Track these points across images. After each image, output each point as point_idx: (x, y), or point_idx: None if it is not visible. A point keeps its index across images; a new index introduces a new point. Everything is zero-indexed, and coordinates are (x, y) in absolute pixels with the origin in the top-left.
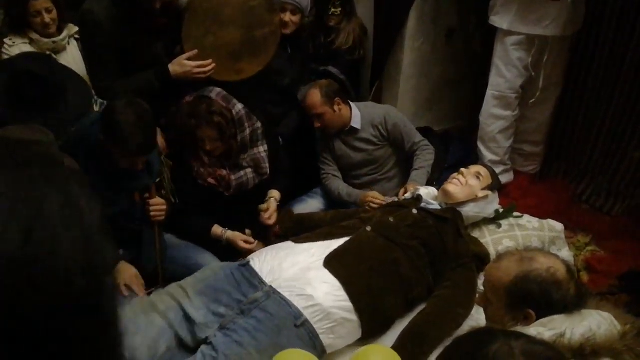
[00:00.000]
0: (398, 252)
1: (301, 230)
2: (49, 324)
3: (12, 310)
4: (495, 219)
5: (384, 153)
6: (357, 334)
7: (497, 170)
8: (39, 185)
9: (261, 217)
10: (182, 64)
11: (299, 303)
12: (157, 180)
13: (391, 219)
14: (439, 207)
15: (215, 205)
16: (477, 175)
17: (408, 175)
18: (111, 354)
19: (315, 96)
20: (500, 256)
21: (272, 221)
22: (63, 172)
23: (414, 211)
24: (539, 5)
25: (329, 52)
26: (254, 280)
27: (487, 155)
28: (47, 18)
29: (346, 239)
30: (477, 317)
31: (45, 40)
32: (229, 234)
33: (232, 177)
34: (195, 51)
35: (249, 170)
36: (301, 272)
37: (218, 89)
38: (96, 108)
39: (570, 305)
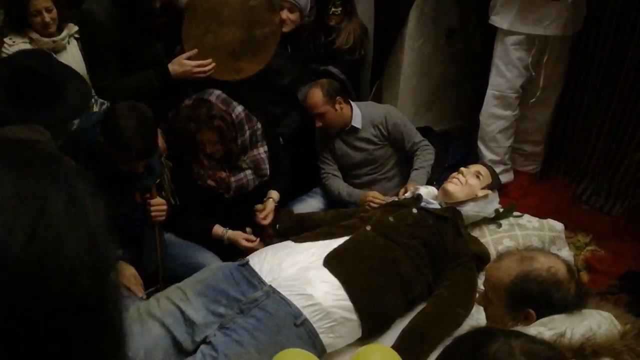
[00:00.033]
0: (398, 251)
1: (301, 229)
2: (53, 323)
3: (15, 310)
4: (495, 219)
5: (384, 153)
6: (357, 333)
7: (497, 170)
8: (43, 184)
9: (256, 217)
10: (181, 64)
11: (298, 302)
12: (157, 181)
13: (391, 218)
14: (438, 207)
15: (215, 207)
16: (477, 175)
17: (408, 175)
18: (115, 354)
19: (316, 95)
20: (500, 256)
21: (267, 221)
22: (68, 171)
23: (414, 210)
24: (540, 5)
25: (329, 51)
26: (253, 279)
27: (487, 155)
28: (47, 17)
29: (346, 238)
30: (478, 317)
31: (45, 39)
32: (230, 233)
33: (232, 179)
34: (195, 50)
35: (248, 172)
36: (301, 272)
37: (217, 92)
38: (96, 108)
39: (570, 305)
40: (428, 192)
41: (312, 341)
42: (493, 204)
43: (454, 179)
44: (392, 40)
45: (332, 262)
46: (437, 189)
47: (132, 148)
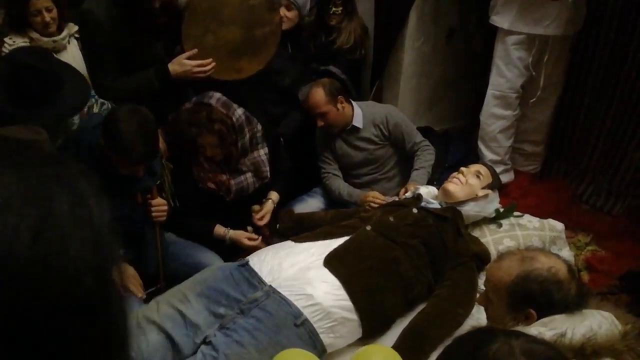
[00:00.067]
0: (398, 251)
1: (301, 229)
2: (56, 323)
3: (18, 310)
4: (495, 219)
5: (384, 152)
6: (358, 333)
7: (498, 169)
8: (48, 184)
9: (253, 218)
10: (181, 63)
11: (298, 302)
12: (158, 182)
13: (391, 218)
14: (439, 206)
15: (216, 208)
16: (477, 174)
17: (408, 175)
18: (118, 354)
19: (318, 94)
20: (501, 256)
21: (263, 222)
22: (73, 171)
23: (414, 210)
24: (540, 5)
25: (330, 51)
26: (253, 280)
27: (488, 155)
28: (47, 17)
29: (346, 238)
30: (478, 317)
31: (46, 39)
32: (232, 233)
33: (232, 182)
34: (195, 50)
35: (249, 174)
36: (301, 272)
37: (217, 95)
38: (96, 108)
39: (571, 305)
40: (428, 192)
41: (312, 341)
42: (493, 203)
43: (454, 179)
44: (393, 40)
45: (332, 262)
46: (438, 188)
47: (132, 153)
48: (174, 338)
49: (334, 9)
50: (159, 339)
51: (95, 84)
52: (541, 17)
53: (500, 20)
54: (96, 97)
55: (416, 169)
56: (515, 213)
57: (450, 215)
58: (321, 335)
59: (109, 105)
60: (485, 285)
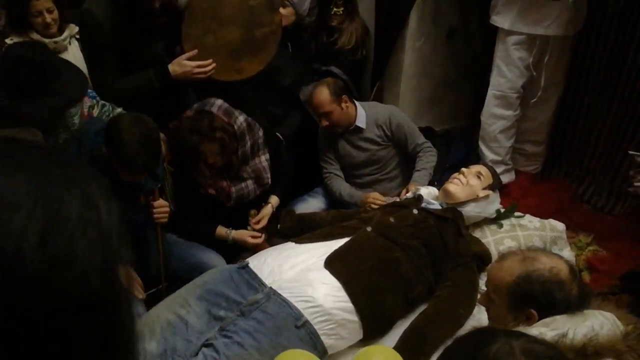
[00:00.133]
0: (398, 252)
1: (302, 229)
2: (61, 323)
3: (25, 311)
4: (496, 219)
5: (387, 153)
6: (358, 334)
7: (499, 170)
8: (58, 185)
9: (249, 221)
10: (181, 64)
11: (299, 304)
12: (159, 185)
13: (392, 219)
14: (439, 207)
15: (216, 212)
16: (478, 175)
17: (410, 176)
18: (127, 356)
19: (323, 94)
20: (502, 256)
21: (259, 226)
22: (82, 173)
23: (415, 211)
24: (540, 5)
25: (331, 52)
26: (253, 282)
27: (489, 155)
28: (48, 18)
29: (346, 239)
30: (479, 317)
31: (47, 40)
32: (235, 233)
33: (233, 189)
34: (195, 51)
35: (249, 181)
36: (301, 273)
37: (219, 102)
38: (97, 109)
39: (572, 305)
40: (429, 193)
41: (313, 343)
42: (494, 204)
43: (455, 180)
44: (393, 40)
45: (332, 263)
46: (438, 189)
47: (135, 162)
48: (174, 347)
49: (335, 9)
50: (159, 349)
51: (95, 84)
52: (542, 17)
53: (500, 20)
54: (97, 98)
55: (418, 170)
56: (516, 213)
57: (450, 216)
58: (322, 337)
59: (110, 107)
60: (486, 286)
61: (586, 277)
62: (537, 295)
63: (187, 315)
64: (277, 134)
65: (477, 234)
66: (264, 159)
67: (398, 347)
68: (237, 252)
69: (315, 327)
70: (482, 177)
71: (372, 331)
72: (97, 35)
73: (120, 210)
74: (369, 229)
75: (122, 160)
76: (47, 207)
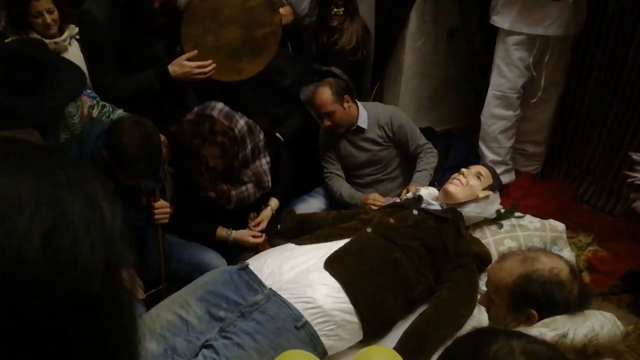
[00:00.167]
0: (398, 253)
1: (302, 230)
2: (57, 323)
3: (19, 310)
4: (496, 219)
5: (388, 154)
6: (358, 335)
7: (499, 170)
8: (62, 187)
9: (249, 224)
10: (181, 65)
11: (299, 305)
12: (159, 186)
13: (392, 220)
14: (439, 208)
15: (216, 213)
16: (478, 175)
17: (410, 177)
18: (126, 358)
19: (325, 94)
20: (503, 256)
21: (258, 229)
22: (86, 174)
23: (415, 212)
24: (541, 5)
25: (331, 52)
26: (253, 283)
27: (489, 156)
28: (48, 19)
29: (346, 240)
30: (479, 317)
31: (47, 41)
32: (235, 233)
33: (233, 192)
34: (195, 52)
35: (250, 185)
36: (301, 274)
37: (220, 106)
38: (97, 110)
39: (573, 305)
40: (429, 193)
41: (313, 344)
42: (494, 204)
43: (455, 180)
44: (393, 40)
45: (332, 264)
46: (438, 189)
47: (135, 166)
48: (174, 347)
49: (335, 9)
50: (159, 348)
51: (95, 84)
52: (542, 17)
53: (501, 20)
54: (97, 98)
55: (418, 171)
56: (517, 214)
57: (450, 217)
58: (322, 338)
59: (110, 108)
60: (486, 286)
61: (586, 277)
62: (537, 295)
63: (187, 315)
64: (277, 134)
65: (477, 234)
66: (264, 162)
67: (398, 348)
68: (238, 253)
69: (315, 328)
70: (482, 178)
71: (372, 332)
72: (97, 35)
73: (124, 212)
74: (368, 230)
75: (123, 165)
76: (51, 209)
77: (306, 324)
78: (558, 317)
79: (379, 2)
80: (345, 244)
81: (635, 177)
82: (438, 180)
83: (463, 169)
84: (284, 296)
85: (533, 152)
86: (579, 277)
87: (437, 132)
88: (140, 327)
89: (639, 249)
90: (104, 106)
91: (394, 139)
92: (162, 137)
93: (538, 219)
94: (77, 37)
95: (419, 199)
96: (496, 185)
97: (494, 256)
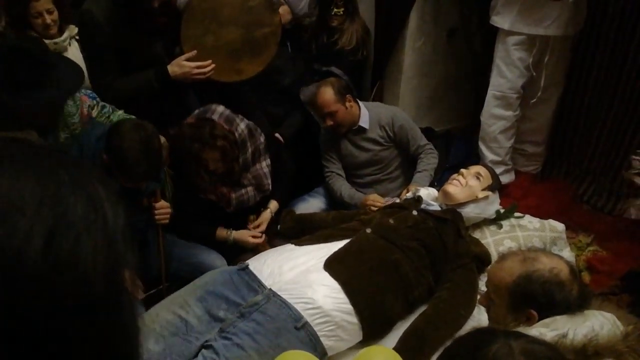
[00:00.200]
0: (398, 254)
1: (302, 230)
2: (57, 323)
3: (19, 310)
4: (496, 220)
5: (389, 154)
6: (358, 336)
7: (498, 170)
8: (64, 188)
9: (248, 226)
10: (181, 65)
11: (299, 306)
12: (160, 187)
13: (391, 221)
14: (439, 208)
15: (216, 215)
16: (477, 176)
17: (411, 177)
18: (129, 358)
19: (327, 94)
20: (503, 256)
21: (257, 231)
22: (89, 175)
23: (414, 212)
24: (540, 5)
25: (331, 52)
26: (253, 283)
27: (489, 156)
28: (48, 19)
29: (346, 241)
30: (479, 318)
31: (47, 41)
32: (235, 234)
33: (233, 195)
34: (194, 52)
35: (250, 188)
36: (301, 275)
37: (220, 109)
38: (96, 110)
39: (573, 305)
40: (428, 194)
41: (313, 344)
42: (494, 205)
43: (454, 181)
44: (393, 40)
45: (332, 265)
46: (438, 190)
47: (135, 170)
48: (173, 346)
49: (335, 10)
50: (158, 349)
51: (95, 84)
52: (542, 17)
53: (500, 20)
54: (97, 99)
55: (419, 172)
56: (516, 214)
57: (450, 217)
58: (322, 338)
59: (110, 109)
60: (486, 286)
61: (586, 277)
62: (537, 295)
63: (186, 315)
64: (277, 134)
65: (476, 234)
66: (264, 165)
67: (398, 348)
68: (238, 253)
69: (315, 328)
70: (481, 178)
71: (372, 332)
72: (97, 35)
73: (126, 213)
74: (368, 230)
75: (122, 168)
76: (53, 210)
77: (306, 325)
78: (558, 317)
79: (379, 2)
80: (345, 245)
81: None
82: (438, 180)
83: (462, 170)
84: (283, 297)
85: (533, 152)
86: (579, 277)
87: (437, 132)
88: (141, 328)
89: (639, 249)
90: (103, 107)
91: (395, 139)
92: (163, 139)
93: (537, 219)
94: (77, 37)
95: (418, 199)
96: (495, 186)
97: (494, 256)
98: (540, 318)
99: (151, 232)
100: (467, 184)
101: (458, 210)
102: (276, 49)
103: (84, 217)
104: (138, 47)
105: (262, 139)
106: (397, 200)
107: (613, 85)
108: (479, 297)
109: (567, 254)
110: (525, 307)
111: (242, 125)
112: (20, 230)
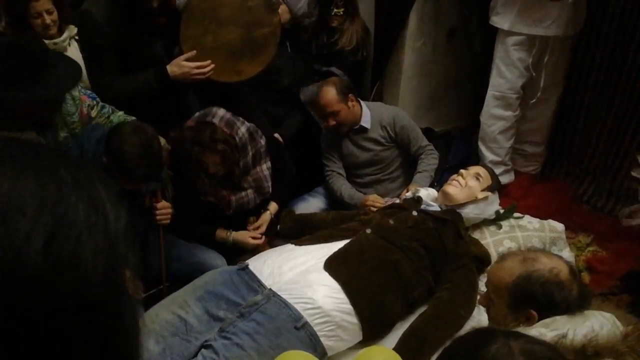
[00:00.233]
0: (398, 254)
1: (302, 230)
2: (57, 323)
3: (19, 310)
4: (495, 220)
5: (390, 154)
6: (358, 336)
7: (498, 170)
8: (65, 189)
9: (247, 228)
10: (180, 65)
11: (298, 306)
12: (161, 187)
13: (391, 221)
14: (438, 209)
15: (216, 216)
16: (477, 177)
17: (411, 177)
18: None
19: (330, 93)
20: (503, 256)
21: (257, 233)
22: (90, 176)
23: (414, 213)
24: (540, 6)
25: (332, 52)
26: (253, 283)
27: (488, 156)
28: (47, 19)
29: (346, 241)
30: (479, 318)
31: (46, 41)
32: (235, 234)
33: (233, 198)
34: (194, 52)
35: (250, 190)
36: (301, 275)
37: (221, 113)
38: (95, 110)
39: (572, 306)
40: (428, 194)
41: (313, 344)
42: (493, 205)
43: (454, 181)
44: (393, 41)
45: (332, 265)
46: (437, 190)
47: (135, 173)
48: (173, 346)
49: (335, 10)
50: (158, 349)
51: (94, 85)
52: (541, 17)
53: (500, 21)
54: (97, 99)
55: (419, 172)
56: (516, 214)
57: (450, 218)
58: (321, 338)
59: (110, 109)
60: (486, 286)
61: (586, 277)
62: (537, 295)
63: (186, 315)
64: (277, 135)
65: (476, 235)
66: (265, 168)
67: (398, 349)
68: (238, 254)
69: (315, 328)
70: (480, 179)
71: (372, 333)
72: (96, 35)
73: (127, 214)
74: (368, 231)
75: (123, 171)
76: (53, 212)
77: (306, 325)
78: (558, 318)
79: (379, 2)
80: (345, 245)
81: None
82: (437, 180)
83: (462, 170)
84: (283, 296)
85: (533, 152)
86: (579, 277)
87: (436, 132)
88: (142, 328)
89: (639, 249)
90: (103, 107)
91: (396, 139)
92: (163, 141)
93: (537, 220)
94: (77, 37)
95: (418, 200)
96: (495, 186)
97: (494, 257)
98: (540, 318)
99: (152, 232)
100: (466, 185)
101: (458, 210)
102: (276, 49)
103: (84, 218)
104: (137, 47)
105: (262, 141)
106: (397, 201)
107: (613, 85)
108: (478, 297)
109: (567, 254)
110: (525, 307)
111: (242, 128)
112: (20, 231)
